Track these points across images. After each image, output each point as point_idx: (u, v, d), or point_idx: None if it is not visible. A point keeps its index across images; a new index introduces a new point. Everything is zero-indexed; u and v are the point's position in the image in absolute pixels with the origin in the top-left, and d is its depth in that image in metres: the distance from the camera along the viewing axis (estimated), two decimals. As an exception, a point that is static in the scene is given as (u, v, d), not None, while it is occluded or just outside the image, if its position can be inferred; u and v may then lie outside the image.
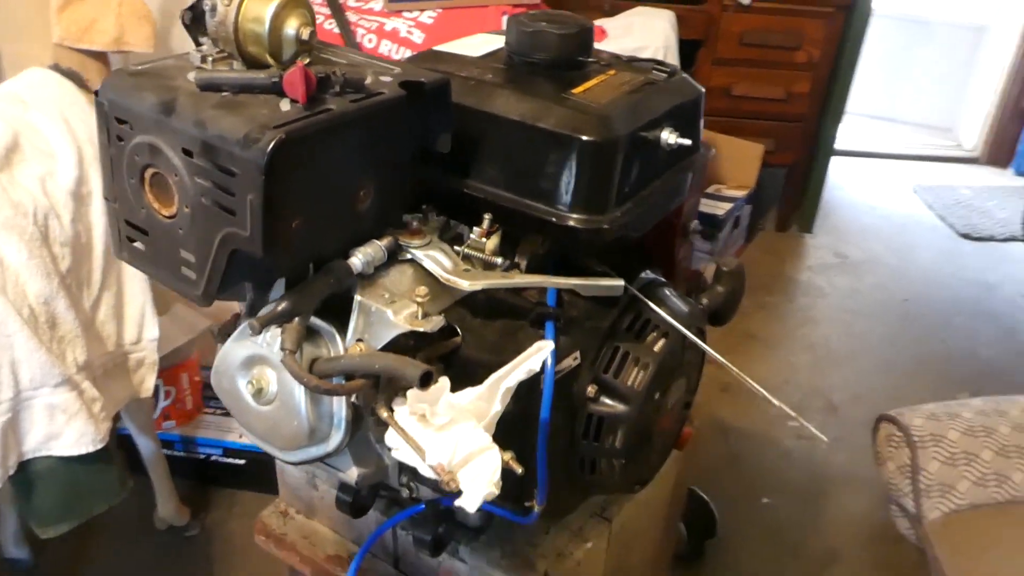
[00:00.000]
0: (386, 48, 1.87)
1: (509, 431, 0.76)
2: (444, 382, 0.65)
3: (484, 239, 0.78)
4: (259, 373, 0.71)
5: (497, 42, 0.89)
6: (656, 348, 0.84)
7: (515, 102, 0.77)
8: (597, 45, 1.82)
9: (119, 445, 1.80)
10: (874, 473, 2.04)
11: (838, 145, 3.01)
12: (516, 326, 0.78)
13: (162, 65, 0.69)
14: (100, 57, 1.47)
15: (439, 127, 0.75)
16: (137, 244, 0.71)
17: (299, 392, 0.69)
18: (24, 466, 1.19)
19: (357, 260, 0.72)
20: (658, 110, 0.81)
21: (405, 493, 0.96)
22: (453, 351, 0.76)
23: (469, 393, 0.65)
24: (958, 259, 3.19)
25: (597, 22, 1.98)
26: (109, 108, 0.67)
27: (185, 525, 1.85)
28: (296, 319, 0.68)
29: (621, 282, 0.77)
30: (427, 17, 1.89)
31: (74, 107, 1.36)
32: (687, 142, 0.80)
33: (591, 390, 0.82)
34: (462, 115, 0.78)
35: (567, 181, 0.75)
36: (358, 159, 0.69)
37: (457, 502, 0.64)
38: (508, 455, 0.68)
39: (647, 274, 0.92)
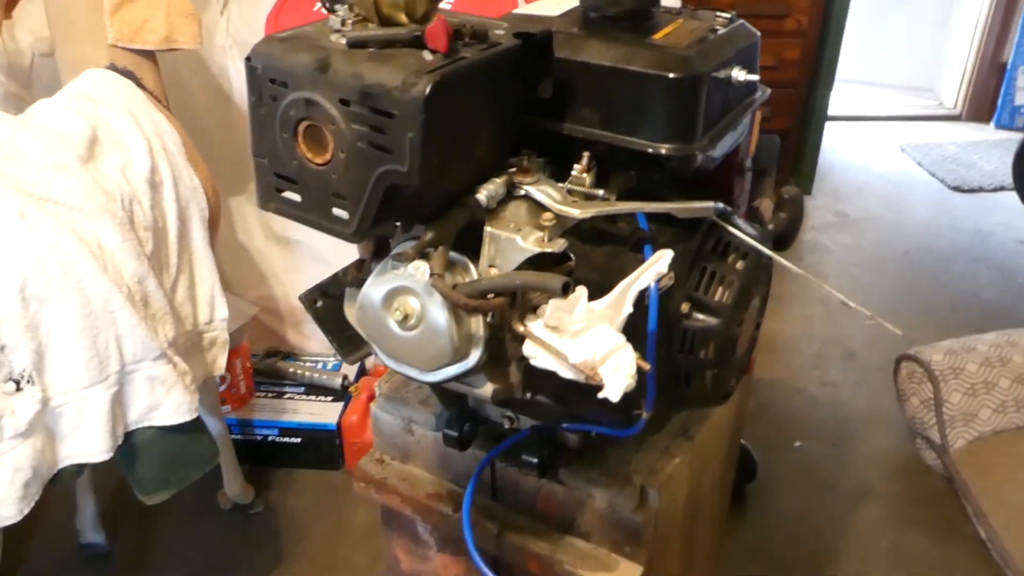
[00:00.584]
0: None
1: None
2: (581, 290, 0.73)
3: (585, 174, 0.87)
4: (402, 302, 0.79)
5: (571, 2, 0.98)
6: (738, 266, 0.93)
7: (605, 49, 0.86)
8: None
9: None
10: (896, 411, 2.16)
11: (831, 111, 3.12)
12: (619, 251, 0.87)
13: (304, 31, 0.77)
14: (151, 56, 1.54)
15: (542, 75, 0.84)
16: (286, 193, 0.79)
17: (444, 315, 0.78)
18: (128, 437, 1.27)
19: (483, 195, 0.80)
20: (727, 51, 0.90)
21: (507, 424, 1.05)
22: (568, 274, 0.84)
23: (602, 301, 0.74)
24: (951, 211, 3.32)
25: None
26: (263, 71, 0.75)
27: (249, 503, 1.93)
28: (440, 247, 0.76)
29: (712, 204, 0.86)
30: (446, 3, 1.98)
31: (137, 103, 1.43)
32: (755, 78, 0.90)
33: (685, 307, 0.91)
34: (557, 65, 0.87)
35: (659, 115, 0.84)
36: (484, 104, 0.78)
37: (601, 394, 0.73)
38: (636, 355, 0.77)
39: (717, 204, 1.01)
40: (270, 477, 2.03)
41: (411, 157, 0.70)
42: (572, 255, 0.85)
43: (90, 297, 1.15)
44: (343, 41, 0.73)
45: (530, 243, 0.79)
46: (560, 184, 0.88)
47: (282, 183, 0.79)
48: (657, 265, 0.74)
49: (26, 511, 1.14)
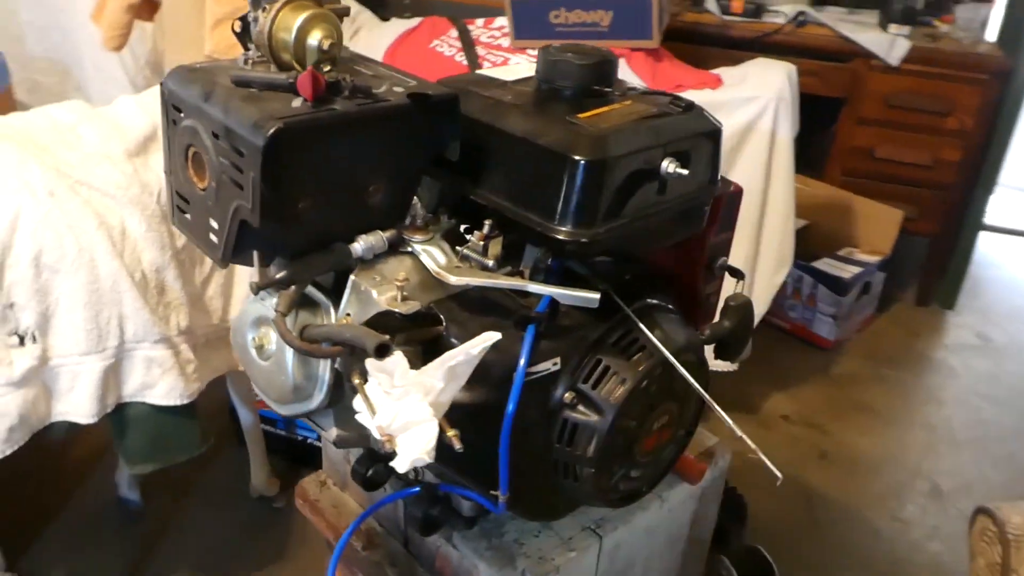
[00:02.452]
0: (510, 81, 1.98)
1: (485, 421, 0.83)
2: (398, 356, 0.73)
3: (482, 242, 0.86)
4: (264, 332, 0.82)
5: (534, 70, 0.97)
6: (639, 367, 0.88)
7: (522, 120, 0.85)
8: (711, 93, 1.87)
9: (230, 416, 2.02)
10: (965, 571, 1.91)
11: (989, 219, 2.84)
12: (501, 324, 0.85)
13: (215, 65, 0.82)
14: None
15: (448, 137, 0.84)
16: (184, 213, 0.84)
17: (288, 352, 0.79)
18: (121, 408, 1.37)
19: (358, 245, 0.81)
20: (659, 139, 0.86)
21: (411, 475, 1.04)
22: (435, 338, 0.83)
23: (423, 370, 0.72)
24: (1122, 358, 2.90)
25: (715, 70, 2.02)
26: (168, 96, 0.81)
27: (273, 497, 2.02)
28: (293, 287, 0.78)
29: (596, 296, 0.82)
30: (551, 55, 2.00)
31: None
32: (683, 172, 0.85)
33: (568, 396, 0.87)
34: (477, 129, 0.87)
35: (557, 195, 0.81)
36: (366, 156, 0.79)
37: (392, 463, 0.71)
38: (453, 432, 0.75)
39: (654, 300, 0.96)
40: (302, 476, 2.11)
41: (252, 196, 0.72)
42: (447, 321, 0.84)
43: (99, 275, 1.27)
44: (230, 79, 0.77)
45: (383, 300, 0.79)
46: (459, 248, 0.87)
47: (180, 202, 0.85)
48: (471, 347, 0.72)
49: (7, 452, 1.26)
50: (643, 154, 0.84)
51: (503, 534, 1.04)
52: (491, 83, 0.94)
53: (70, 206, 1.25)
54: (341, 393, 0.82)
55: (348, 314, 0.81)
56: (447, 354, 0.72)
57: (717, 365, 2.07)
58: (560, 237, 0.82)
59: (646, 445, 0.93)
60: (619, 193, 0.83)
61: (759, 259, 2.04)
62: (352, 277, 0.81)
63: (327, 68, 0.78)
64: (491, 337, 0.73)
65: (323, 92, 0.74)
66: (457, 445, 0.75)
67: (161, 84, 0.82)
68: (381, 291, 0.79)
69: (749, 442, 0.86)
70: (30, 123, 1.35)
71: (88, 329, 1.28)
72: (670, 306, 0.98)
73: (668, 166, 0.85)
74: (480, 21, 2.26)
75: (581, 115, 0.85)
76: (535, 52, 2.01)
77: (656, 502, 1.11)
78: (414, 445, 0.71)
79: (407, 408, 0.72)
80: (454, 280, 0.82)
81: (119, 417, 1.38)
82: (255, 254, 0.78)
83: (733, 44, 2.65)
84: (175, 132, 0.81)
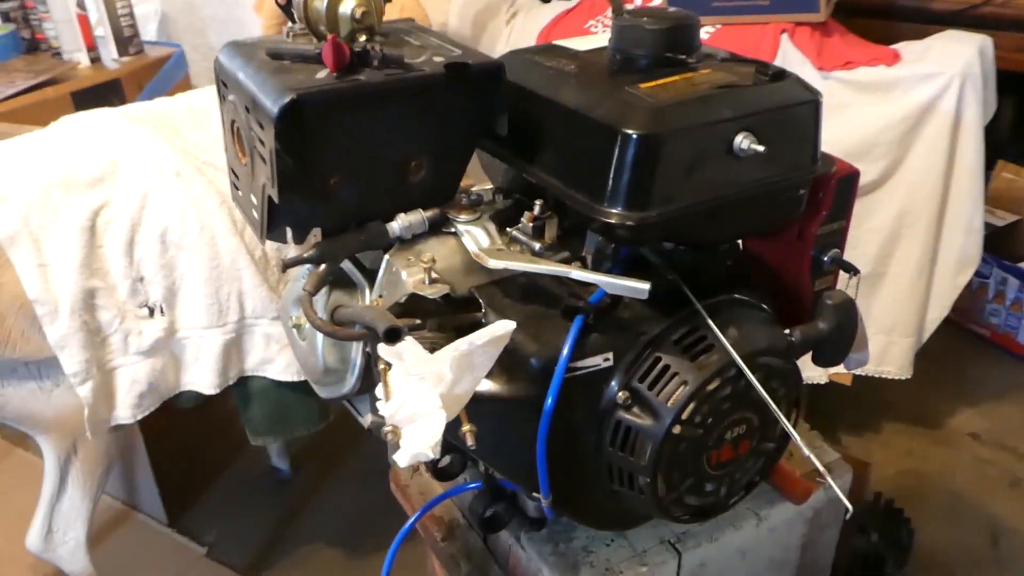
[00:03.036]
0: (660, 61, 1.88)
1: (528, 418, 0.77)
2: (409, 342, 0.68)
3: (531, 224, 0.80)
4: (301, 312, 0.80)
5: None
6: (704, 369, 0.78)
7: (577, 92, 0.78)
8: (885, 70, 1.67)
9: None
10: None
11: None
12: (546, 314, 0.78)
13: (264, 38, 0.81)
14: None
15: (495, 110, 0.78)
16: (236, 189, 0.85)
17: (319, 333, 0.77)
18: (244, 382, 1.43)
19: (396, 224, 0.78)
20: (733, 112, 0.75)
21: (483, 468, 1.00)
22: (472, 324, 0.78)
23: (431, 358, 0.67)
24: None
25: (894, 45, 1.79)
26: (218, 71, 0.81)
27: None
28: (323, 266, 0.76)
29: (646, 286, 0.73)
30: (704, 32, 1.87)
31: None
32: (759, 148, 0.74)
33: (622, 396, 0.79)
34: (532, 102, 0.80)
35: (606, 173, 0.73)
36: (401, 130, 0.75)
37: (392, 455, 0.67)
38: (469, 427, 0.69)
39: (740, 295, 0.85)
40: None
41: (271, 170, 0.71)
42: (487, 307, 0.79)
43: (220, 252, 1.32)
44: (265, 50, 0.76)
45: (410, 282, 0.74)
46: (509, 230, 0.81)
47: (233, 178, 0.85)
48: (478, 337, 0.66)
49: (139, 416, 1.35)
50: (710, 128, 0.74)
51: (572, 539, 0.97)
52: (561, 53, 0.87)
53: (194, 186, 1.31)
54: (373, 378, 0.79)
55: (380, 296, 0.77)
56: (454, 343, 0.67)
57: (886, 371, 1.87)
58: (608, 220, 0.73)
59: (718, 456, 0.83)
60: (678, 172, 0.74)
61: (938, 257, 1.80)
62: (386, 256, 0.78)
63: (362, 38, 0.75)
64: (504, 327, 0.67)
65: (347, 62, 0.71)
66: (470, 441, 0.69)
67: (215, 60, 0.82)
68: (411, 272, 0.75)
69: (817, 464, 0.74)
70: (170, 107, 1.44)
71: (209, 304, 1.34)
72: (762, 303, 0.87)
73: (742, 142, 0.74)
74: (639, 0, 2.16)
75: (643, 85, 0.77)
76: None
77: (751, 520, 0.99)
78: (418, 438, 0.66)
79: (414, 397, 0.67)
80: (492, 263, 0.76)
81: (242, 390, 1.44)
82: (287, 230, 0.76)
83: (934, 19, 2.36)
84: (224, 107, 0.81)
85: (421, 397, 0.67)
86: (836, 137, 1.74)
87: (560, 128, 0.78)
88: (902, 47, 1.78)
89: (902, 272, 1.81)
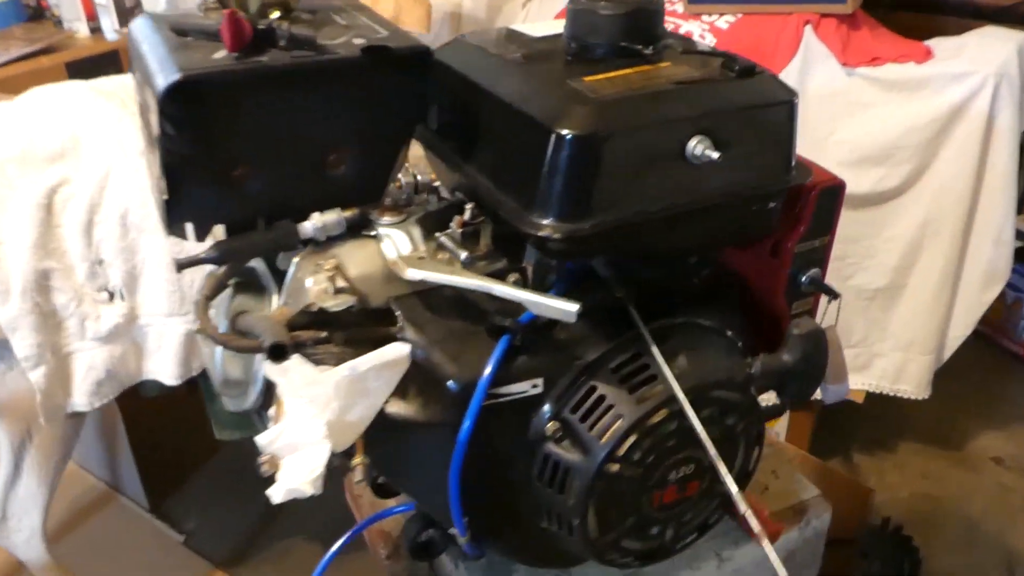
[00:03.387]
0: (675, 51, 1.77)
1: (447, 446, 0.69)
2: (296, 361, 0.60)
3: (460, 230, 0.71)
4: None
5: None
6: (643, 401, 0.69)
7: (517, 82, 0.69)
8: (915, 68, 1.54)
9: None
10: None
11: None
12: (471, 331, 0.70)
13: (180, 14, 0.74)
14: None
15: (421, 99, 0.70)
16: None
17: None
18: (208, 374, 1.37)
19: (308, 224, 0.70)
20: (689, 112, 0.66)
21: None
22: (386, 339, 0.70)
23: (314, 380, 0.60)
24: None
25: (928, 41, 1.66)
26: (129, 48, 0.74)
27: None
28: (223, 268, 0.69)
29: (574, 308, 0.64)
30: (724, 22, 1.76)
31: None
32: (713, 155, 0.64)
33: (552, 427, 0.70)
34: (471, 91, 0.72)
35: (536, 177, 0.65)
36: (314, 119, 0.67)
37: (269, 490, 0.60)
38: (360, 459, 0.62)
39: (702, 319, 0.76)
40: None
41: (159, 156, 0.63)
42: (406, 321, 0.71)
43: (183, 237, 1.26)
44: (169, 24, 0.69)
45: (313, 290, 0.67)
46: (439, 235, 0.73)
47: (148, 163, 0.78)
48: (364, 361, 0.58)
49: (97, 404, 1.30)
50: (659, 129, 0.65)
51: (512, 572, 0.89)
52: (515, 39, 0.78)
53: (158, 166, 1.25)
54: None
55: (286, 303, 0.70)
56: (338, 367, 0.59)
57: (902, 390, 1.75)
58: (534, 232, 0.65)
59: (662, 497, 0.74)
60: (620, 179, 0.65)
61: (964, 271, 1.68)
62: (295, 260, 0.70)
63: (274, 14, 0.67)
64: (396, 350, 0.59)
65: (248, 41, 0.63)
66: (358, 477, 0.61)
67: (128, 31, 0.75)
68: (317, 280, 0.67)
69: (753, 523, 0.65)
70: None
71: (171, 291, 1.28)
72: (726, 328, 0.78)
73: (696, 147, 0.65)
74: (660, -15, 2.05)
75: (588, 78, 0.67)
76: (709, 19, 1.79)
77: (712, 561, 0.91)
78: (297, 471, 0.59)
79: (297, 424, 0.60)
80: (408, 273, 0.68)
81: (208, 382, 1.38)
82: (187, 226, 0.69)
83: (981, 14, 2.21)
84: (136, 87, 0.74)
85: (305, 424, 0.60)
86: (858, 137, 1.63)
87: (494, 123, 0.70)
88: (935, 43, 1.65)
89: (923, 285, 1.69)
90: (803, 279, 0.81)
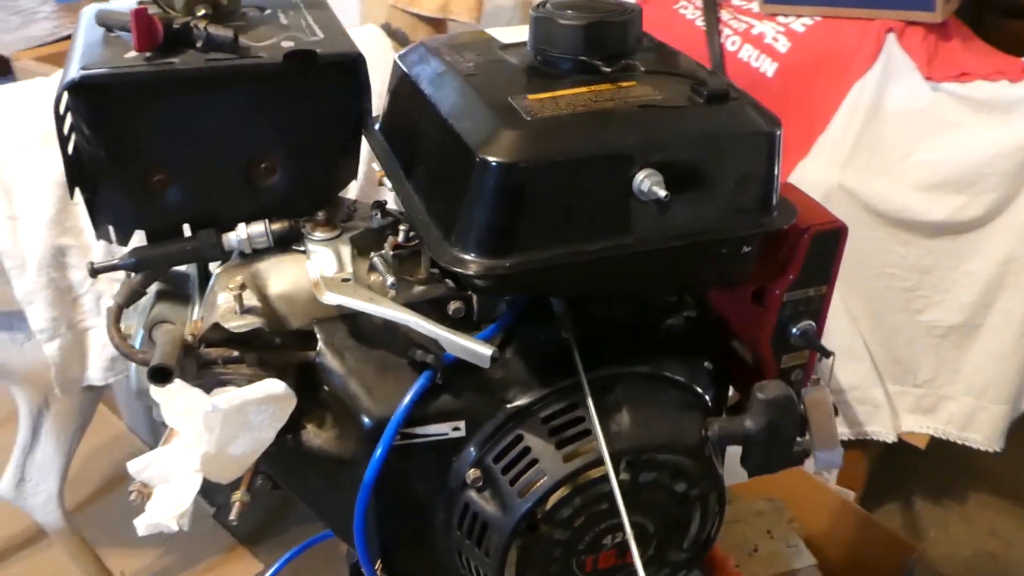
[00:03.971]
0: (746, 54, 1.65)
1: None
2: (178, 385, 0.56)
3: (392, 251, 0.66)
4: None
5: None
6: (571, 459, 0.62)
7: (456, 96, 0.62)
8: (1008, 86, 1.40)
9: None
10: None
11: None
12: (394, 363, 0.65)
13: (118, 8, 0.70)
14: (431, 22, 1.57)
15: (357, 107, 0.65)
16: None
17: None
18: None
19: (232, 235, 0.66)
20: (638, 141, 0.58)
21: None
22: (303, 364, 0.65)
23: (188, 408, 0.56)
24: None
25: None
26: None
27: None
28: (138, 276, 0.65)
29: (488, 352, 0.57)
30: (800, 24, 1.62)
31: (378, 63, 1.48)
32: (660, 194, 0.56)
33: (473, 474, 0.64)
34: (416, 101, 0.66)
35: (458, 205, 0.58)
36: (238, 126, 0.63)
37: (135, 520, 0.56)
38: (240, 494, 0.58)
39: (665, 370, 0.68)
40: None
41: (63, 154, 0.60)
42: (327, 347, 0.66)
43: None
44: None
45: (220, 307, 0.62)
46: (374, 255, 0.68)
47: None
48: (250, 395, 0.53)
49: (111, 380, 1.32)
50: (597, 161, 0.57)
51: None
52: (478, 45, 0.71)
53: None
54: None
55: (202, 318, 0.66)
56: (220, 396, 0.55)
57: (971, 439, 1.59)
58: (448, 264, 0.58)
59: (595, 563, 0.67)
60: (552, 214, 0.58)
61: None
62: (216, 272, 0.66)
63: (200, 12, 0.63)
64: (271, 387, 0.54)
65: (159, 42, 0.59)
66: (232, 515, 0.57)
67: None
68: (227, 297, 0.63)
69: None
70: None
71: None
72: (693, 382, 0.70)
73: (643, 182, 0.57)
74: (736, -18, 1.91)
75: (532, 96, 0.60)
76: (785, 20, 1.66)
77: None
78: (164, 504, 0.55)
79: (169, 454, 0.56)
80: (325, 297, 0.63)
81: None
82: (110, 229, 0.66)
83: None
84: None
85: (179, 454, 0.56)
86: (939, 160, 1.47)
87: (431, 139, 0.64)
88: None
89: (1003, 327, 1.52)
90: (794, 331, 0.72)
